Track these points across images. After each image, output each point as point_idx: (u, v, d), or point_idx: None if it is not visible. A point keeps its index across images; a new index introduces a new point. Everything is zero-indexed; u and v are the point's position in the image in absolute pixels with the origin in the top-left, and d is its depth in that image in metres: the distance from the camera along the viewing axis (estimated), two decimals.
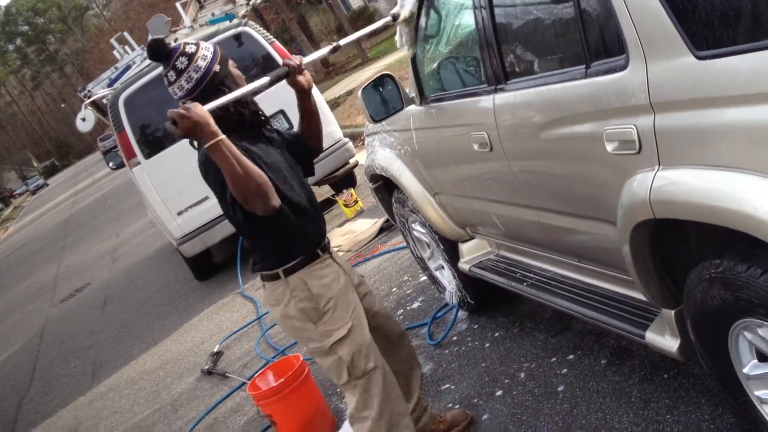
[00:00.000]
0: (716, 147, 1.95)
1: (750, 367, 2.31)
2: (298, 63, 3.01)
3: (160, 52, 2.84)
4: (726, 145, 1.93)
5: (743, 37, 1.86)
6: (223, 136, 2.60)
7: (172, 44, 2.91)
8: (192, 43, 2.90)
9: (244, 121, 2.96)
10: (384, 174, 4.50)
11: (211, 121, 2.60)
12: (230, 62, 3.01)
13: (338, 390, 3.31)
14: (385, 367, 3.14)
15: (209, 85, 2.84)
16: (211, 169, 2.74)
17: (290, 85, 3.07)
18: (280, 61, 8.17)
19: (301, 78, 3.03)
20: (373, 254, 6.62)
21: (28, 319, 12.53)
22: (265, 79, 2.94)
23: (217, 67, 2.87)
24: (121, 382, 6.86)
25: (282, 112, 8.06)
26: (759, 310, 2.06)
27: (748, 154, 1.88)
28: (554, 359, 3.79)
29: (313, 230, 3.06)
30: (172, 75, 2.83)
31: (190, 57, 2.83)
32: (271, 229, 2.94)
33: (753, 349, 2.27)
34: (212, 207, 8.00)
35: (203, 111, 2.60)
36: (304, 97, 3.13)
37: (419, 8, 3.76)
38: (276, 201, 2.72)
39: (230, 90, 2.87)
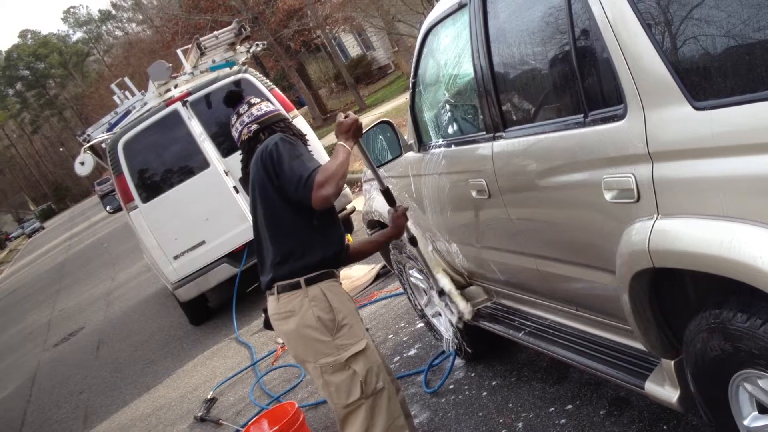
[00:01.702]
0: (715, 196, 1.96)
1: (750, 419, 2.28)
2: (405, 210, 3.54)
3: (238, 96, 3.47)
4: (724, 195, 1.93)
5: (740, 87, 1.88)
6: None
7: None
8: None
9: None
10: (381, 220, 4.51)
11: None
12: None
13: (336, 413, 3.22)
14: (390, 388, 3.21)
15: (272, 119, 3.39)
16: (285, 153, 3.09)
17: (391, 220, 3.55)
18: (278, 106, 8.26)
19: (401, 225, 3.54)
20: (370, 300, 6.60)
21: (20, 363, 12.40)
22: (385, 185, 3.62)
23: (282, 113, 3.49)
24: (113, 429, 6.76)
25: None
26: (759, 361, 2.04)
27: (746, 203, 1.88)
28: (552, 409, 3.75)
29: (340, 245, 3.28)
30: (244, 108, 3.39)
31: (261, 100, 3.50)
32: (320, 229, 3.16)
33: (753, 401, 2.25)
34: (208, 251, 8.02)
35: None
36: (389, 234, 3.57)
37: (419, 55, 3.81)
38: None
39: (286, 125, 3.39)
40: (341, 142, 3.18)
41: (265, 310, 3.33)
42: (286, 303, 3.12)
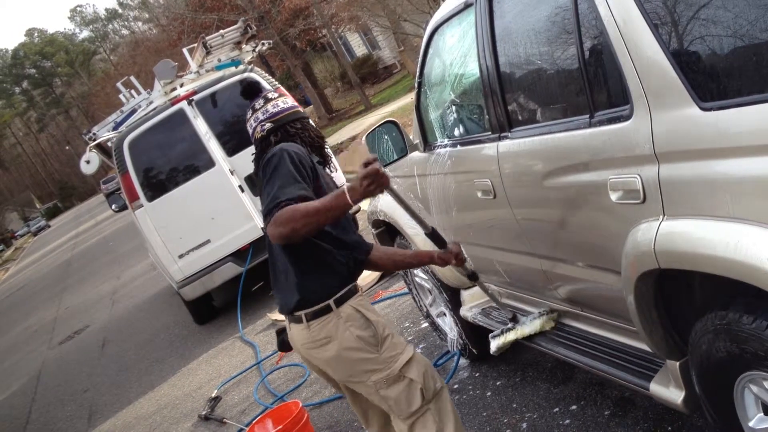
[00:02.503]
0: (721, 198, 1.95)
1: (756, 420, 2.28)
2: (458, 253, 3.15)
3: (256, 88, 3.16)
4: (731, 196, 1.93)
5: (747, 88, 1.87)
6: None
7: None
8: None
9: (316, 145, 3.12)
10: (386, 220, 4.50)
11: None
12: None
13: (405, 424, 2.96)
14: (445, 386, 3.08)
15: (288, 117, 3.06)
16: (277, 169, 2.77)
17: (438, 259, 3.17)
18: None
19: (448, 262, 3.17)
20: (374, 300, 6.59)
21: (25, 361, 12.43)
22: (429, 226, 3.15)
23: (300, 109, 3.15)
24: (118, 427, 6.77)
25: None
26: (765, 362, 2.04)
27: (753, 205, 1.87)
28: (557, 409, 3.75)
29: (355, 261, 3.02)
30: (260, 102, 3.08)
31: (279, 94, 3.17)
32: (324, 256, 2.88)
33: (759, 403, 2.24)
34: (213, 250, 8.03)
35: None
36: (433, 261, 3.22)
37: (424, 55, 3.80)
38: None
39: (304, 123, 3.09)
40: (346, 188, 2.61)
41: (282, 331, 3.15)
42: (319, 330, 2.88)
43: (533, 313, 3.50)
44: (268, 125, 3.02)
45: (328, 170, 3.19)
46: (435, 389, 2.96)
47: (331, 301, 2.87)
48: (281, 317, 7.51)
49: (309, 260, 2.87)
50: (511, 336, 3.50)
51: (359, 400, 3.16)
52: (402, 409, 2.92)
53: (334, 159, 3.33)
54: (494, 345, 3.58)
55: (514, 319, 3.58)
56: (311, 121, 3.26)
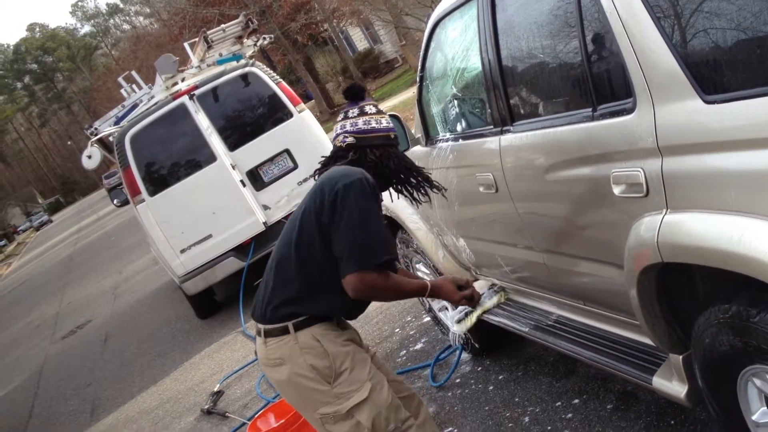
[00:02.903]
0: (725, 191, 1.95)
1: (759, 414, 2.27)
2: (473, 297, 3.14)
3: (360, 93, 3.01)
4: (734, 190, 1.92)
5: (751, 81, 1.86)
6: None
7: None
8: (380, 107, 3.09)
9: (393, 180, 3.01)
10: (388, 214, 4.50)
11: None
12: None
13: None
14: (407, 423, 2.83)
15: (374, 139, 2.92)
16: (354, 205, 2.65)
17: (451, 297, 3.09)
18: (285, 100, 8.25)
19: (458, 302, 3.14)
20: None
21: (28, 356, 12.45)
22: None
23: (392, 135, 2.98)
24: (120, 421, 6.78)
25: (287, 151, 8.11)
26: None
27: (757, 198, 1.87)
28: (559, 403, 3.74)
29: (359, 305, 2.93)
30: (354, 112, 2.94)
31: (379, 111, 3.00)
32: (322, 286, 2.75)
33: (762, 396, 2.24)
34: (215, 245, 8.03)
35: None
36: (443, 297, 3.11)
37: (426, 49, 3.79)
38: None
39: (391, 153, 2.94)
40: (431, 287, 2.90)
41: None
42: (274, 349, 2.77)
43: (486, 292, 3.68)
44: (350, 140, 2.89)
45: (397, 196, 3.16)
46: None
47: (290, 324, 2.74)
48: None
49: (306, 286, 2.74)
50: (475, 315, 3.51)
51: None
52: None
53: (421, 193, 3.08)
54: (461, 328, 3.58)
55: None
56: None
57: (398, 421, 2.79)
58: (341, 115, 2.97)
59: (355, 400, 2.71)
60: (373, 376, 2.80)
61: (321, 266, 2.70)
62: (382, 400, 2.77)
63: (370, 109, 2.95)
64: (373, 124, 2.92)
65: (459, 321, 3.57)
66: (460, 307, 3.54)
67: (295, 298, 2.74)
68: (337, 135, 2.93)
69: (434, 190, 3.08)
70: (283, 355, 2.75)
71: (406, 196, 3.09)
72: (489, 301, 3.61)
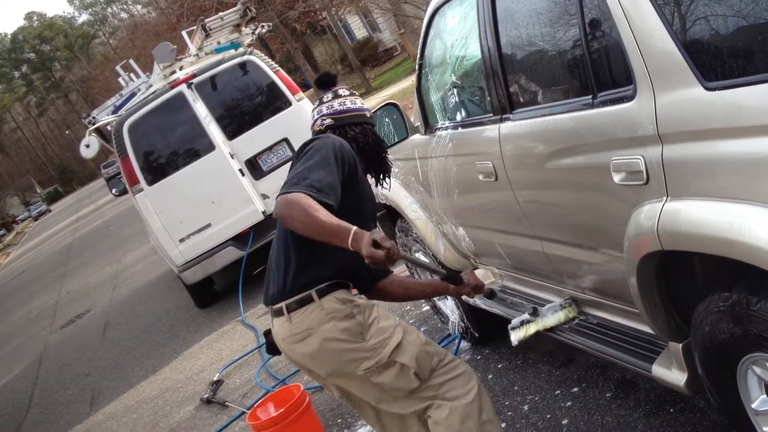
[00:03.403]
0: (725, 178, 1.94)
1: (759, 402, 2.27)
2: (475, 285, 3.11)
3: (332, 80, 3.10)
4: (735, 177, 1.91)
5: (752, 68, 1.85)
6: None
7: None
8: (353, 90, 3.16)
9: (373, 154, 3.06)
10: (388, 203, 4.49)
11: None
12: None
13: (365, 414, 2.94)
14: (446, 359, 2.86)
15: (351, 118, 2.99)
16: (312, 153, 2.72)
17: (453, 291, 3.14)
18: (284, 89, 8.23)
19: (463, 295, 3.14)
20: None
21: (27, 345, 12.46)
22: (443, 272, 3.12)
23: (367, 114, 3.06)
24: (120, 411, 6.79)
25: (286, 140, 8.09)
26: None
27: (758, 186, 1.86)
28: (558, 392, 3.75)
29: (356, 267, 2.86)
30: (328, 96, 3.04)
31: (352, 93, 3.09)
32: (327, 249, 2.67)
33: (762, 384, 2.24)
34: (214, 234, 8.02)
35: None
36: (447, 293, 3.19)
37: (425, 37, 3.77)
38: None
39: (367, 129, 3.01)
40: (353, 233, 2.48)
41: (268, 333, 2.99)
42: (300, 322, 2.74)
43: (554, 304, 3.34)
44: (328, 121, 2.97)
45: (374, 181, 3.14)
46: (432, 368, 2.79)
47: (313, 291, 2.73)
48: None
49: (308, 254, 2.74)
50: (532, 328, 3.35)
51: (366, 406, 2.97)
52: (401, 391, 2.78)
53: (391, 178, 3.17)
54: (515, 337, 3.41)
55: (535, 312, 3.37)
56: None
57: (439, 355, 2.84)
58: (316, 103, 3.05)
59: (392, 346, 2.73)
60: (399, 322, 2.84)
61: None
62: (417, 339, 2.81)
63: (343, 91, 3.04)
64: (348, 104, 3.00)
65: (513, 328, 3.42)
66: (521, 317, 3.42)
67: (311, 263, 2.75)
68: (315, 120, 3.01)
69: (385, 179, 3.14)
70: (311, 325, 2.73)
71: (372, 176, 3.11)
72: (552, 317, 3.30)
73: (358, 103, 3.04)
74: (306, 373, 2.96)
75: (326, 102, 3.01)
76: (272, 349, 2.98)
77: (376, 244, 2.44)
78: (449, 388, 2.79)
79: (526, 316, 3.39)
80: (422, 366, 2.76)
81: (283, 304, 2.77)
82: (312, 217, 2.49)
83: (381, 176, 3.14)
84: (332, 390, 2.96)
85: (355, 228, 2.50)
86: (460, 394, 2.79)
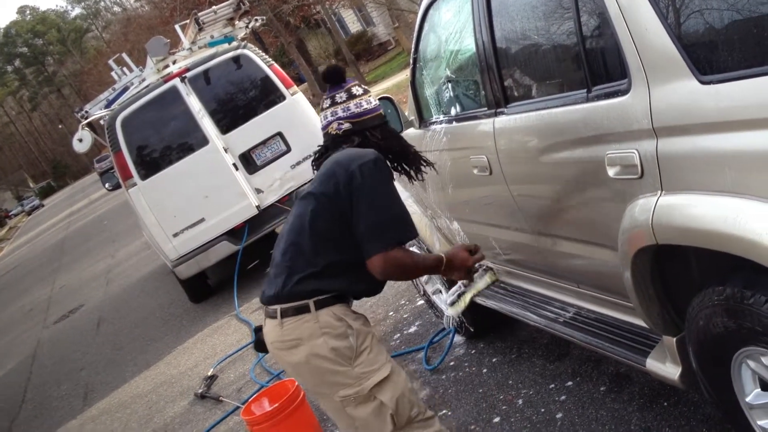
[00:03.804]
0: (720, 172, 1.94)
1: (753, 396, 2.28)
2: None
3: (339, 75, 2.92)
4: (730, 171, 1.91)
5: (747, 62, 1.85)
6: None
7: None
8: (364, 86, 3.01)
9: (400, 158, 2.99)
10: None
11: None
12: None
13: None
14: (426, 413, 2.76)
15: (370, 121, 2.87)
16: (374, 185, 2.61)
17: (466, 263, 2.92)
18: (278, 83, 8.20)
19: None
20: None
21: (20, 340, 12.42)
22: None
23: (381, 116, 2.93)
24: (113, 406, 6.78)
25: (280, 134, 8.07)
26: (763, 338, 2.03)
27: (752, 179, 1.86)
28: (553, 385, 3.75)
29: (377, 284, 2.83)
30: (342, 96, 2.86)
31: (365, 91, 2.93)
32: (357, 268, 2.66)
33: (756, 378, 2.24)
34: (208, 229, 8.00)
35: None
36: (442, 273, 2.95)
37: (420, 31, 3.77)
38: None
39: (382, 134, 2.89)
40: (447, 256, 2.77)
41: (259, 329, 2.91)
42: (291, 330, 2.65)
43: (479, 272, 3.48)
44: (347, 126, 2.82)
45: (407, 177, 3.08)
46: (410, 416, 2.68)
47: (311, 301, 2.63)
48: None
49: (323, 261, 2.65)
50: (468, 296, 3.49)
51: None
52: None
53: (416, 170, 3.05)
54: (454, 311, 3.56)
55: (468, 283, 3.48)
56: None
57: (419, 407, 2.74)
58: (327, 101, 2.88)
59: (376, 379, 2.64)
60: (389, 359, 2.74)
61: (341, 249, 2.64)
62: (403, 382, 2.72)
63: (356, 90, 2.88)
64: (365, 106, 2.86)
65: (452, 303, 3.54)
66: (453, 289, 3.53)
67: (318, 273, 2.65)
68: (330, 123, 2.84)
69: (426, 165, 3.05)
70: (301, 335, 2.64)
71: (404, 174, 3.03)
72: (481, 282, 3.51)
73: (373, 102, 2.91)
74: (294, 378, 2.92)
75: (341, 103, 2.84)
76: (260, 346, 2.90)
77: (472, 253, 2.81)
78: None
79: (461, 287, 3.51)
80: (401, 411, 2.66)
81: (278, 308, 2.69)
82: (419, 270, 2.82)
83: (413, 169, 3.03)
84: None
85: (443, 255, 2.77)
86: None
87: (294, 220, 2.73)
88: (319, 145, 2.93)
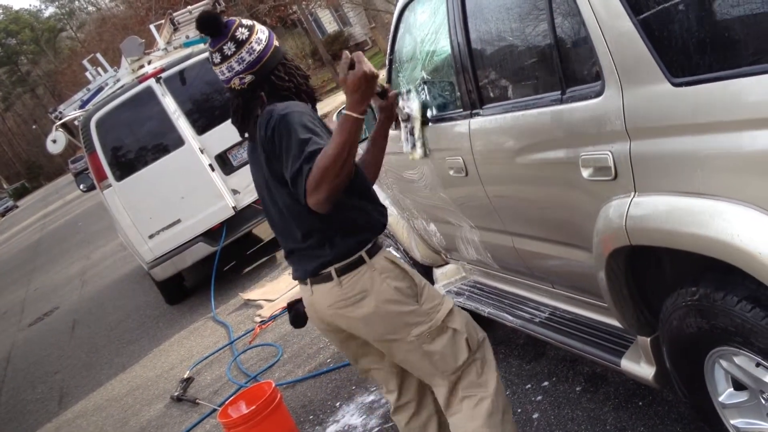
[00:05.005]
0: (692, 174, 1.95)
1: (726, 395, 2.30)
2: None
3: (214, 24, 2.58)
4: (702, 172, 1.92)
5: (719, 64, 1.87)
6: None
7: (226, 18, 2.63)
8: (245, 20, 2.65)
9: (308, 94, 2.71)
10: None
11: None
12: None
13: (449, 376, 2.69)
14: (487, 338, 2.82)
15: (269, 62, 2.60)
16: (293, 133, 2.40)
17: (380, 107, 2.82)
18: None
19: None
20: None
21: None
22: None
23: (276, 42, 2.66)
24: (89, 409, 6.72)
25: None
26: (735, 338, 2.05)
27: (723, 181, 1.87)
28: (529, 386, 3.76)
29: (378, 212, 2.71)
30: (230, 47, 2.56)
31: (250, 29, 2.61)
32: (351, 202, 2.54)
33: (729, 378, 2.27)
34: (184, 230, 7.96)
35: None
36: (387, 124, 2.85)
37: (395, 32, 3.77)
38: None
39: (291, 68, 2.63)
40: (346, 111, 2.35)
41: (294, 304, 2.84)
42: (352, 285, 2.57)
43: (404, 102, 3.45)
44: (248, 78, 2.57)
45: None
46: (479, 338, 2.74)
47: (363, 252, 2.57)
48: (254, 297, 7.33)
49: (340, 216, 2.53)
50: (417, 128, 3.41)
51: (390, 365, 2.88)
52: (448, 363, 2.65)
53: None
54: (421, 152, 3.44)
55: (407, 119, 3.43)
56: (290, 59, 2.65)
57: (481, 330, 2.79)
58: (217, 56, 2.57)
59: (445, 310, 2.66)
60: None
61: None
62: (461, 310, 2.77)
63: (242, 33, 2.57)
64: (258, 48, 2.57)
65: (413, 147, 3.45)
66: (402, 137, 3.45)
67: (345, 230, 2.56)
68: (230, 78, 2.58)
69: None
70: (365, 287, 2.58)
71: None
72: (414, 104, 3.42)
73: (262, 36, 2.61)
74: (341, 346, 2.85)
75: (232, 56, 2.55)
76: (298, 320, 2.85)
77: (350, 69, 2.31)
78: (484, 375, 2.72)
79: (407, 129, 3.48)
80: (471, 334, 2.70)
81: (331, 269, 2.58)
82: (334, 160, 2.29)
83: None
84: (370, 362, 2.87)
85: (342, 110, 2.38)
86: (491, 382, 2.72)
87: (275, 197, 2.63)
88: (232, 111, 2.70)
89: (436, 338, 2.63)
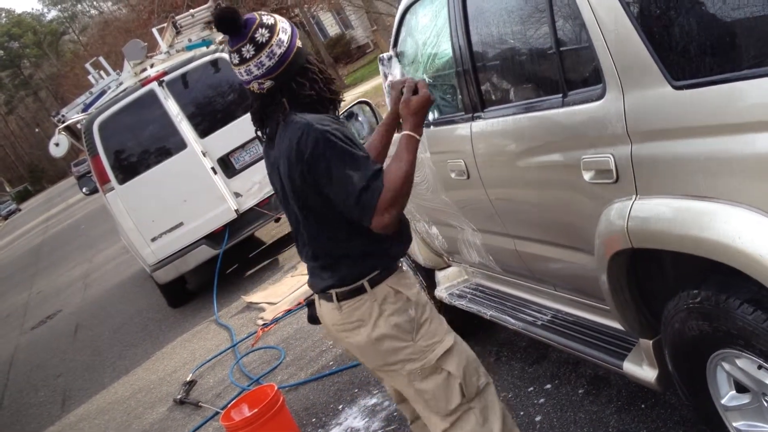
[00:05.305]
0: (693, 177, 1.95)
1: (728, 398, 2.30)
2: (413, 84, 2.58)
3: (232, 23, 2.43)
4: (703, 175, 1.93)
5: (720, 67, 1.87)
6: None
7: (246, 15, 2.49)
8: (269, 15, 2.51)
9: (332, 102, 2.60)
10: None
11: None
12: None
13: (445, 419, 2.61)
14: (491, 382, 2.69)
15: (291, 67, 2.46)
16: (332, 153, 2.34)
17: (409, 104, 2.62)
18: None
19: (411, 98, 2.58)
20: None
21: None
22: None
23: (299, 43, 2.50)
24: (92, 412, 6.72)
25: (258, 138, 8.04)
26: (737, 341, 2.05)
27: (724, 183, 1.87)
28: (531, 389, 3.76)
29: (408, 237, 2.66)
30: (249, 50, 2.41)
31: (271, 29, 2.44)
32: (362, 228, 2.43)
33: (731, 380, 2.26)
34: (187, 233, 7.97)
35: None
36: (395, 119, 2.74)
37: (397, 34, 3.77)
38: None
39: (313, 74, 2.51)
40: (408, 131, 2.41)
41: (312, 303, 2.79)
42: (350, 312, 2.53)
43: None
44: (268, 84, 2.45)
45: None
46: (478, 387, 2.59)
47: (365, 281, 2.50)
48: (256, 299, 7.35)
49: (344, 247, 2.52)
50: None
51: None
52: (440, 406, 2.56)
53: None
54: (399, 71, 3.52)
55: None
56: (313, 61, 2.51)
57: (485, 376, 2.65)
58: (235, 57, 2.44)
59: (441, 350, 2.54)
60: (450, 329, 2.64)
61: (342, 225, 2.46)
62: (467, 351, 2.63)
63: (262, 35, 2.40)
64: (278, 51, 2.42)
65: (384, 61, 3.57)
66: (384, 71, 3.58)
67: (357, 255, 2.51)
68: (249, 82, 2.47)
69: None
70: (363, 316, 2.52)
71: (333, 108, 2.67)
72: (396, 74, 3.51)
73: (284, 37, 2.45)
74: (350, 355, 2.84)
75: (251, 59, 2.41)
76: (313, 320, 2.81)
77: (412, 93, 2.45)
78: (487, 425, 2.58)
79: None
80: (468, 380, 2.57)
81: (333, 292, 2.55)
82: (403, 179, 2.33)
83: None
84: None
85: (405, 132, 2.46)
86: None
87: (294, 211, 2.57)
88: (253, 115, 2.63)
89: (427, 377, 2.55)
